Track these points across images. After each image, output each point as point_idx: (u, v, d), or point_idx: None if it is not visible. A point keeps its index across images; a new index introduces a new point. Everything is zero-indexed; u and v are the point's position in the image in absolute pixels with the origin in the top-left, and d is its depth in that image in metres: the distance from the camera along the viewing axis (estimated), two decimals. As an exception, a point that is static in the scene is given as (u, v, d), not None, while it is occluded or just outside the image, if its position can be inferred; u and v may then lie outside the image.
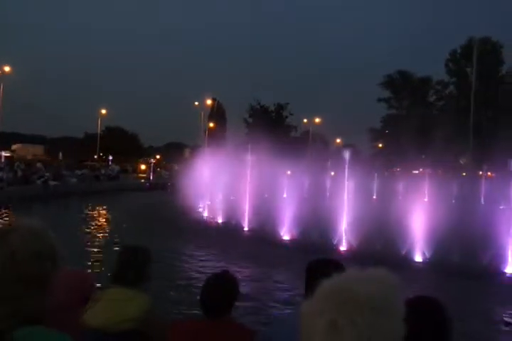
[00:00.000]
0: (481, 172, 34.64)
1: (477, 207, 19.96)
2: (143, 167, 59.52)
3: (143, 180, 45.89)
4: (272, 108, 70.09)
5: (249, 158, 19.34)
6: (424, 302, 1.99)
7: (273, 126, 60.48)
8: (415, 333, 1.82)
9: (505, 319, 7.80)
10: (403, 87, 58.08)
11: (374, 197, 27.34)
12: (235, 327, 2.79)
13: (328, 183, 25.93)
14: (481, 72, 43.41)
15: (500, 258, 11.43)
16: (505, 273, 11.18)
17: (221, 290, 2.78)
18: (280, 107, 69.96)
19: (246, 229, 16.23)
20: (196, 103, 60.36)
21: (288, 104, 70.35)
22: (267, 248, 12.65)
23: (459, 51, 54.36)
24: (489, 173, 34.39)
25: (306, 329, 1.01)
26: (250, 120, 67.35)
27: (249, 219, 16.54)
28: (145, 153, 79.20)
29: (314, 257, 2.68)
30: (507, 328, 7.43)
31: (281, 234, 14.79)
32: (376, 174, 31.52)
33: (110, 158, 58.59)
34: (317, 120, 63.84)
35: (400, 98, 59.21)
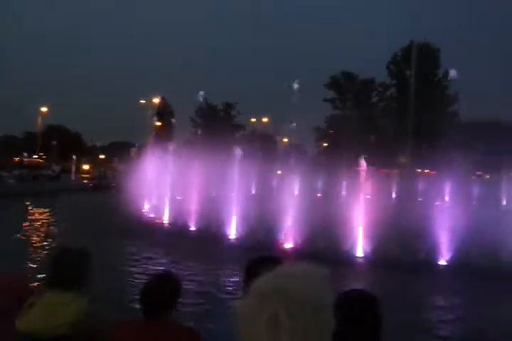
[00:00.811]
0: (419, 170, 36.39)
1: (415, 204, 20.90)
2: (86, 167, 57.62)
3: (86, 181, 44.50)
4: (221, 107, 70.02)
5: (196, 157, 19.21)
6: (357, 296, 2.06)
7: (221, 125, 60.38)
8: (349, 326, 1.90)
9: None
10: (347, 88, 59.77)
11: (319, 194, 27.97)
12: (176, 328, 2.80)
13: (274, 182, 26.26)
14: (420, 75, 45.50)
15: (435, 252, 12.10)
16: (439, 265, 11.85)
17: (161, 290, 2.77)
18: (228, 106, 69.99)
19: (193, 228, 16.14)
20: (143, 101, 59.13)
21: (236, 103, 70.54)
22: (213, 247, 12.66)
23: (399, 54, 56.65)
24: (427, 171, 36.17)
25: (244, 328, 1.01)
26: (198, 119, 66.91)
27: (196, 218, 16.46)
28: (88, 152, 76.76)
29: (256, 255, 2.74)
30: None
31: (228, 233, 14.85)
32: (321, 172, 32.25)
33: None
34: (264, 119, 64.39)
35: (344, 99, 60.91)
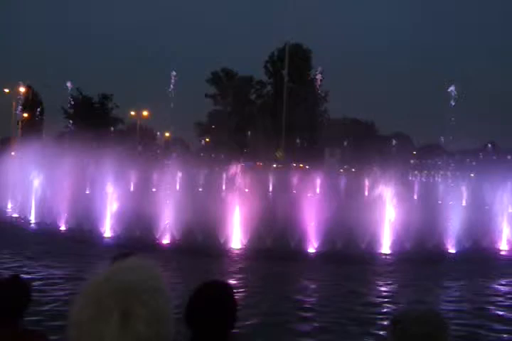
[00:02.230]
0: (294, 165, 38.51)
1: (289, 196, 22.01)
2: None
3: None
4: (96, 99, 66.40)
5: (68, 151, 18.09)
6: (212, 287, 2.18)
7: (96, 118, 57.44)
8: (204, 315, 2.03)
9: None
10: (227, 84, 60.77)
11: (200, 189, 28.12)
12: (24, 334, 2.65)
13: (154, 177, 25.75)
14: (294, 75, 48.10)
15: (306, 240, 12.95)
16: (309, 252, 12.72)
17: (6, 296, 2.62)
18: (104, 98, 66.60)
19: (62, 228, 15.15)
20: (7, 90, 53.55)
21: (112, 95, 67.43)
22: (84, 247, 12.02)
23: (276, 54, 59.10)
24: (301, 165, 38.40)
25: (84, 328, 1.01)
26: (71, 111, 62.70)
27: (67, 217, 15.47)
28: None
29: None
30: None
31: (103, 231, 14.23)
32: (203, 167, 32.41)
33: None
34: (145, 113, 62.57)
35: (224, 95, 61.85)
